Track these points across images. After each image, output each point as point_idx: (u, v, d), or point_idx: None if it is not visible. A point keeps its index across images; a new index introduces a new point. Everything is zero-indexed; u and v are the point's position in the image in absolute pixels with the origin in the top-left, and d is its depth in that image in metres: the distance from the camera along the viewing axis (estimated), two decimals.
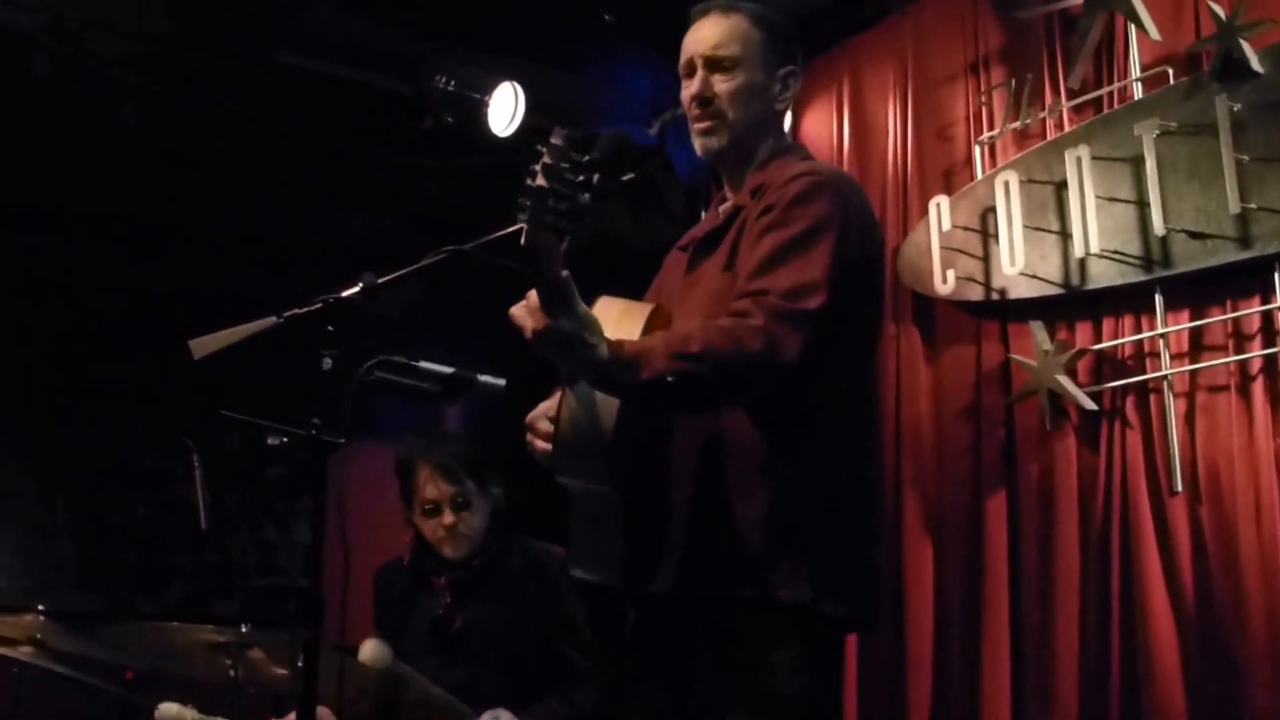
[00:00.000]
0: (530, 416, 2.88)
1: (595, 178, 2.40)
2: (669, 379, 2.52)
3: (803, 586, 2.65)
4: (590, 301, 2.70)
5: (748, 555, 2.67)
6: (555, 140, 2.39)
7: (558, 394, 2.79)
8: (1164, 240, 4.57)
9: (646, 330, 2.75)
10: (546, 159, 2.37)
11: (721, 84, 2.94)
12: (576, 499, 2.87)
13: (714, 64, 2.95)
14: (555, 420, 2.74)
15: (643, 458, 2.76)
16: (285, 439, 2.96)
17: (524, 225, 2.38)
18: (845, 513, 2.76)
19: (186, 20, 5.72)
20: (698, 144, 3.00)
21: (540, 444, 2.83)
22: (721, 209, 3.02)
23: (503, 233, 2.94)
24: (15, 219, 6.29)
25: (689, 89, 2.98)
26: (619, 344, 2.53)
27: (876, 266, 2.92)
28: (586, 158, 2.40)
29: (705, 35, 2.98)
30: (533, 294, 2.48)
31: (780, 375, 2.62)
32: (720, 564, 2.69)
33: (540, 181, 2.36)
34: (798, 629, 2.67)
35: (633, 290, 3.14)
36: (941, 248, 5.30)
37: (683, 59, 3.01)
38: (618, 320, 2.74)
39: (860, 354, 2.88)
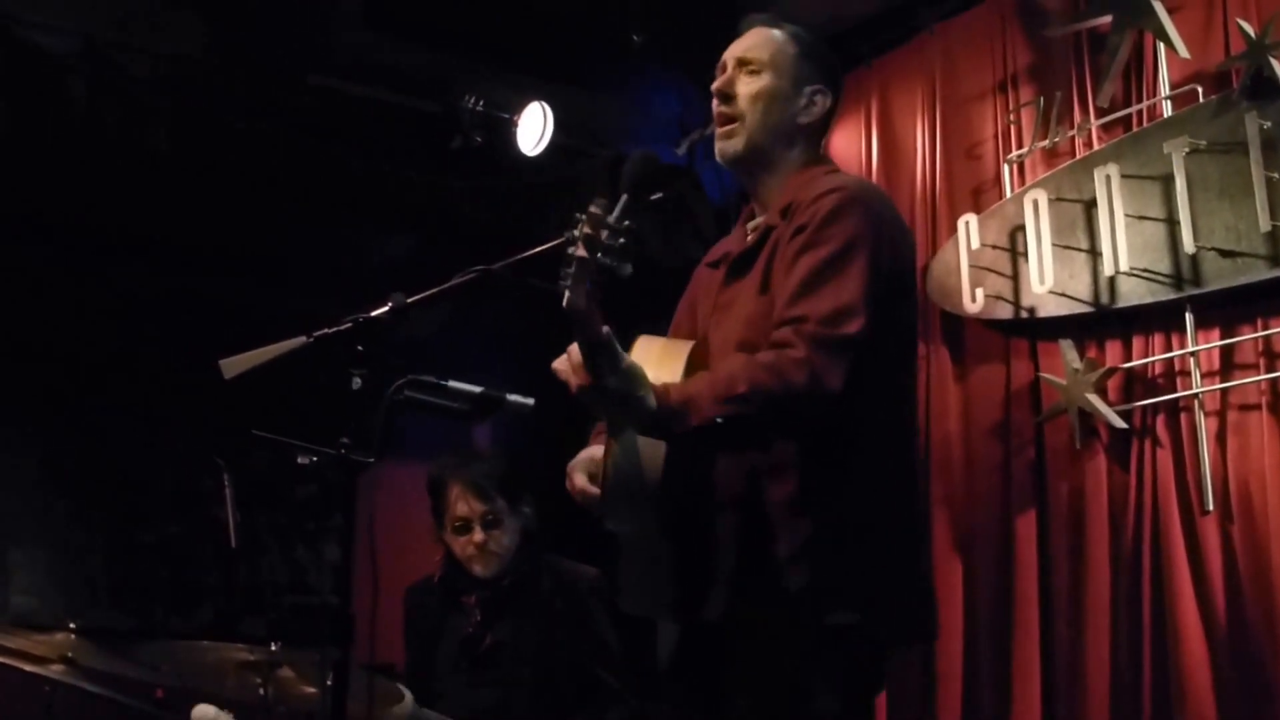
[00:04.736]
0: (571, 465, 2.90)
1: (634, 244, 2.43)
2: (718, 421, 2.54)
3: (849, 609, 2.66)
4: (629, 339, 2.72)
5: (793, 579, 2.66)
6: (594, 209, 2.41)
7: (597, 441, 2.82)
8: (1194, 258, 4.56)
9: (688, 369, 2.77)
10: (586, 228, 2.40)
11: (744, 84, 2.98)
12: (623, 539, 2.89)
13: (741, 64, 3.00)
14: (602, 469, 2.76)
15: (690, 495, 2.77)
16: (315, 458, 2.98)
17: (565, 291, 2.41)
18: (889, 531, 2.75)
19: (219, 42, 5.76)
20: (717, 149, 3.02)
21: (579, 494, 2.86)
22: (751, 226, 3.01)
23: (531, 253, 2.97)
24: (50, 239, 6.34)
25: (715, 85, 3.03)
26: (665, 392, 2.56)
27: (908, 277, 2.92)
28: (625, 224, 2.43)
29: (742, 41, 3.04)
30: (574, 349, 2.51)
31: (827, 405, 2.62)
32: (767, 588, 2.68)
33: (581, 252, 2.39)
34: (841, 652, 2.67)
35: (661, 307, 3.15)
36: (970, 266, 5.29)
37: (719, 65, 3.06)
38: (659, 360, 2.76)
39: (897, 367, 2.87)
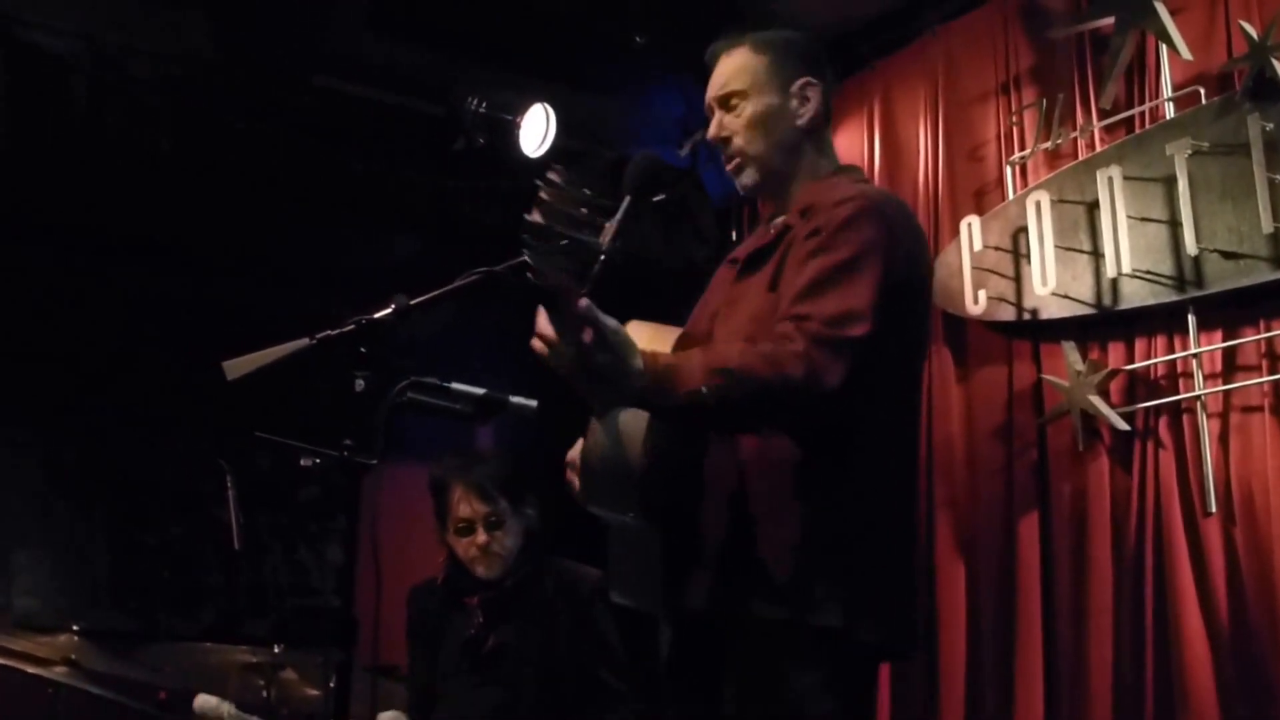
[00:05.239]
0: (569, 455, 2.89)
1: (595, 213, 2.40)
2: (704, 391, 2.48)
3: (835, 611, 2.62)
4: (631, 311, 2.71)
5: (781, 577, 2.63)
6: (551, 176, 2.39)
7: None
8: (1196, 260, 4.56)
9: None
10: (544, 195, 2.38)
11: (733, 121, 2.96)
12: (612, 525, 2.88)
13: (723, 103, 2.97)
14: (582, 451, 2.74)
15: (675, 481, 2.75)
16: (318, 460, 2.98)
17: (534, 265, 2.38)
18: (882, 537, 2.72)
19: (224, 43, 5.76)
20: (737, 184, 3.01)
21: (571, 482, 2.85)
22: (773, 225, 2.97)
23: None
24: (53, 241, 6.35)
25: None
26: (653, 358, 2.50)
27: (920, 293, 2.88)
28: (585, 192, 2.40)
29: (714, 77, 3.00)
30: (543, 323, 2.44)
31: (820, 403, 2.58)
32: (753, 585, 2.66)
33: (537, 218, 2.36)
34: (829, 654, 2.64)
35: (665, 310, 3.14)
36: (973, 268, 5.29)
37: (706, 108, 3.04)
38: (648, 343, 2.74)
39: (901, 379, 2.83)
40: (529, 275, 2.38)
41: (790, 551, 2.64)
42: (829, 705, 2.64)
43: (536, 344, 2.48)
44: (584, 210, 2.39)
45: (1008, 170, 5.32)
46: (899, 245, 2.74)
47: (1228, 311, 4.58)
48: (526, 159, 6.04)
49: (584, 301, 2.38)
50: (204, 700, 4.19)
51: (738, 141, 2.95)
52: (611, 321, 2.44)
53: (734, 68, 2.98)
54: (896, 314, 2.70)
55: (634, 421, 2.67)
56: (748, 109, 2.94)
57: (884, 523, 2.73)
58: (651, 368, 2.48)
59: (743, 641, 2.70)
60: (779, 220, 2.96)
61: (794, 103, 2.96)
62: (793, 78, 2.97)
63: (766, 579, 2.65)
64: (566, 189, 2.38)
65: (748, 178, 2.97)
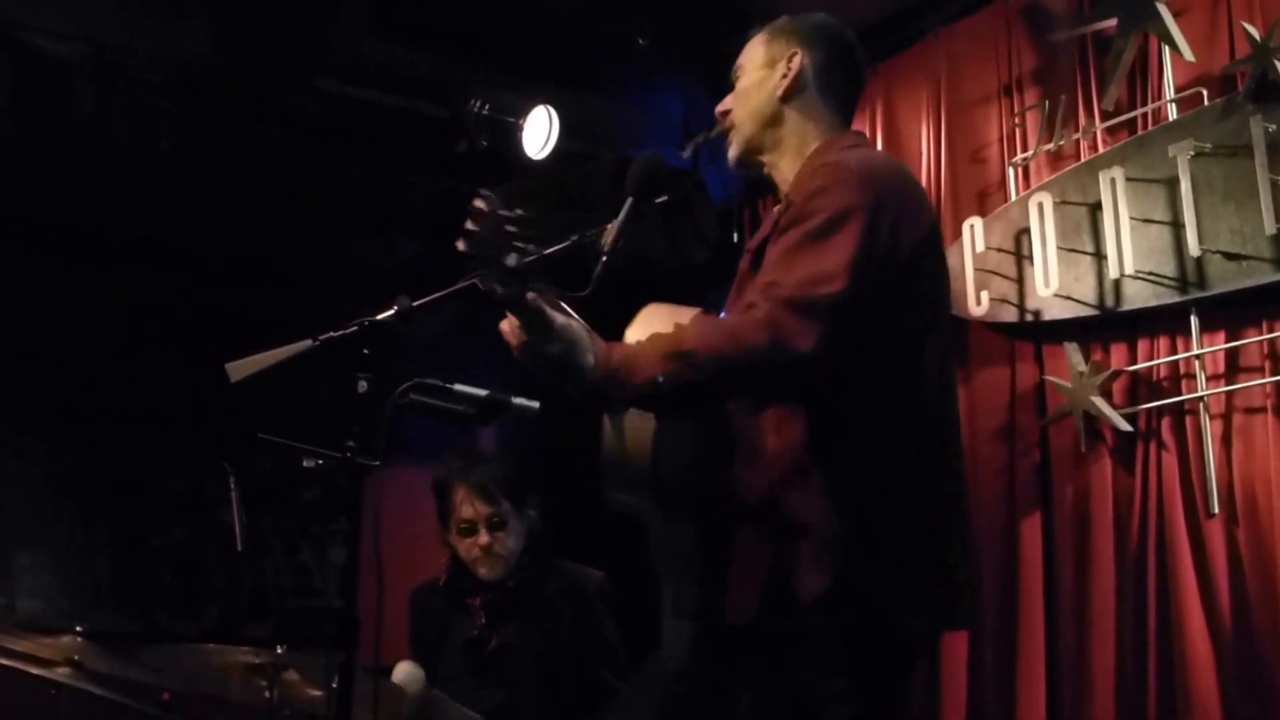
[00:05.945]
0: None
1: (523, 238, 2.44)
2: (660, 381, 2.47)
3: (854, 610, 2.58)
4: (635, 311, 2.71)
5: (800, 581, 2.58)
6: (479, 204, 2.42)
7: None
8: (1199, 261, 4.56)
9: None
10: (470, 224, 2.42)
11: (730, 97, 3.01)
12: (650, 535, 2.86)
13: (732, 83, 3.03)
14: (600, 451, 2.74)
15: (690, 482, 2.73)
16: (320, 461, 2.98)
17: (479, 279, 2.44)
18: (903, 531, 2.64)
19: (226, 45, 5.76)
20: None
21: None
22: (775, 210, 2.94)
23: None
24: (56, 241, 6.35)
25: None
26: (607, 353, 2.51)
27: (919, 260, 2.72)
28: (518, 213, 2.43)
29: None
30: (505, 325, 2.55)
31: (794, 368, 2.52)
32: (772, 590, 2.61)
33: (462, 247, 2.43)
34: (851, 655, 2.60)
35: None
36: (975, 269, 5.29)
37: None
38: (663, 325, 2.71)
39: (911, 359, 2.71)
40: (479, 284, 2.46)
41: (809, 553, 2.59)
42: (853, 708, 2.60)
43: (504, 325, 2.57)
44: (514, 232, 2.42)
45: (1010, 172, 5.32)
46: (884, 208, 2.65)
47: (1230, 313, 4.58)
48: (529, 161, 6.04)
49: (530, 295, 2.44)
50: (403, 669, 4.13)
51: (730, 116, 3.00)
52: (559, 318, 2.51)
53: (746, 50, 3.04)
54: (888, 280, 2.63)
55: (642, 420, 2.67)
56: (743, 81, 3.00)
57: (905, 515, 2.66)
58: (605, 362, 2.49)
59: (764, 647, 2.66)
60: (776, 208, 2.94)
61: (777, 76, 2.96)
62: (782, 52, 2.98)
63: (785, 583, 2.60)
64: (493, 215, 2.41)
65: (731, 150, 3.01)
